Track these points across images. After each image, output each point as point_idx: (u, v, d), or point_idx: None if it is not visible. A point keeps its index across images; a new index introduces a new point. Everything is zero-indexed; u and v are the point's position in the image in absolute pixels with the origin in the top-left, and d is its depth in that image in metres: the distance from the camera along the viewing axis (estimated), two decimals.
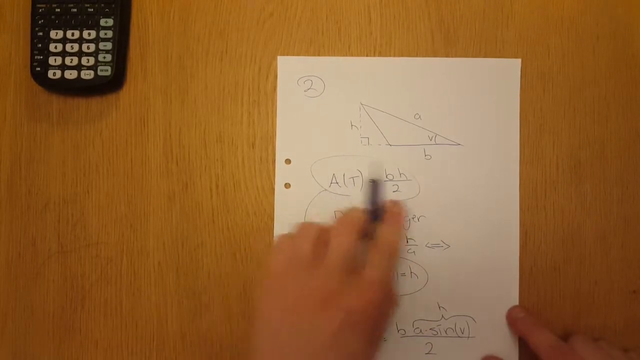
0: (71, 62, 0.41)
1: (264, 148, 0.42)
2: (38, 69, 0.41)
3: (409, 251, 0.41)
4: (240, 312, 0.41)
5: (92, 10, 0.41)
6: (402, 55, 0.42)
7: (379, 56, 0.42)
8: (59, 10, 0.41)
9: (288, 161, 0.41)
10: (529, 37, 0.42)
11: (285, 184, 0.41)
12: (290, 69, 0.42)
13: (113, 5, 0.41)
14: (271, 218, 0.41)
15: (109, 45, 0.41)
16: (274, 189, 0.41)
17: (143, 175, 0.42)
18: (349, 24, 0.42)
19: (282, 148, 0.42)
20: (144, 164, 0.42)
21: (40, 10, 0.41)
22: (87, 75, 0.41)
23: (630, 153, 0.41)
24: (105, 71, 0.41)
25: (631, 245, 0.41)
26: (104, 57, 0.41)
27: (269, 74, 0.42)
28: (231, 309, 0.41)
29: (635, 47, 0.42)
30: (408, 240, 0.41)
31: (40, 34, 0.41)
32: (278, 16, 0.42)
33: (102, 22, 0.41)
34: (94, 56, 0.41)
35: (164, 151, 0.42)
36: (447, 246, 0.41)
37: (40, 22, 0.41)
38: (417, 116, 0.41)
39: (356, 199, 0.41)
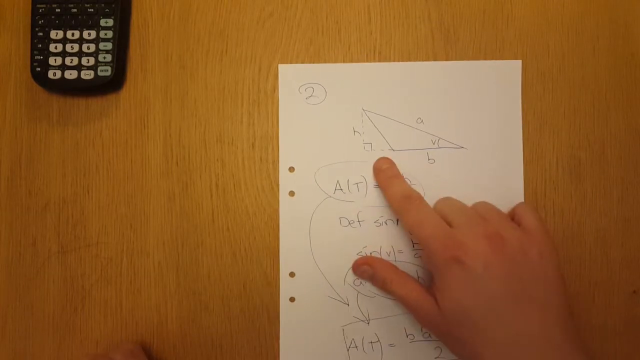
0: (71, 62, 0.41)
1: (264, 148, 0.42)
2: (38, 69, 0.41)
3: (416, 256, 0.41)
4: (240, 312, 0.41)
5: (92, 10, 0.41)
6: (402, 55, 0.42)
7: (378, 56, 0.42)
8: (59, 10, 0.41)
9: (292, 169, 0.41)
10: (529, 37, 0.42)
11: (290, 192, 0.41)
12: (291, 77, 0.42)
13: (113, 5, 0.41)
14: (271, 218, 0.41)
15: (109, 46, 0.41)
16: (273, 189, 0.41)
17: (143, 175, 0.42)
18: (349, 24, 0.42)
19: (285, 156, 0.41)
20: (144, 164, 0.42)
21: (40, 10, 0.41)
22: (87, 75, 0.41)
23: (630, 153, 0.41)
24: (105, 71, 0.41)
25: (631, 245, 0.41)
26: (104, 57, 0.41)
27: (269, 74, 0.42)
28: (231, 309, 0.41)
29: (635, 47, 0.42)
30: (414, 245, 0.41)
31: (40, 34, 0.41)
32: (278, 16, 0.42)
33: (102, 22, 0.41)
34: (94, 56, 0.41)
35: (164, 151, 0.42)
36: None
37: (40, 22, 0.41)
38: (419, 120, 0.41)
39: (360, 204, 0.41)
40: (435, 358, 0.40)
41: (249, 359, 0.41)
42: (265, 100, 0.42)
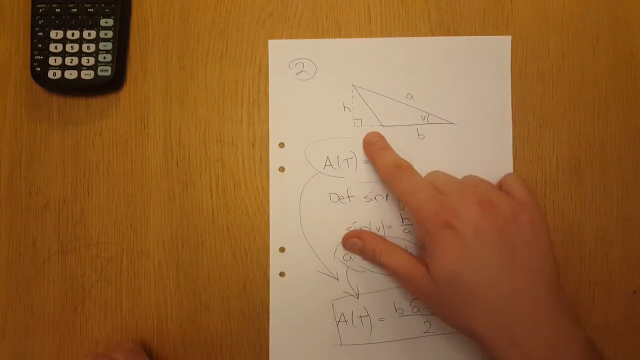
0: (71, 62, 0.41)
1: (264, 148, 0.42)
2: (38, 69, 0.41)
3: (405, 231, 0.41)
4: (240, 312, 0.41)
5: (92, 10, 0.41)
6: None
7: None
8: (59, 10, 0.41)
9: (282, 145, 0.41)
10: (529, 37, 0.42)
11: (280, 167, 0.41)
12: (281, 52, 0.42)
13: (113, 5, 0.41)
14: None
15: (109, 46, 0.41)
16: None
17: (143, 175, 0.42)
18: (349, 24, 0.42)
19: (275, 131, 0.42)
20: (144, 164, 0.42)
21: (40, 10, 0.41)
22: (87, 75, 0.41)
23: (630, 153, 0.41)
24: (105, 71, 0.41)
25: (631, 245, 0.41)
26: (104, 57, 0.41)
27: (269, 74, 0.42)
28: (231, 309, 0.41)
29: (635, 47, 0.42)
30: (404, 220, 0.41)
31: (40, 34, 0.41)
32: (278, 16, 0.42)
33: (102, 22, 0.41)
34: (94, 56, 0.41)
35: (164, 151, 0.42)
36: None
37: (40, 22, 0.41)
38: (409, 96, 0.41)
39: (350, 180, 0.41)
40: (425, 332, 0.41)
41: (249, 359, 0.41)
42: (266, 100, 0.42)
